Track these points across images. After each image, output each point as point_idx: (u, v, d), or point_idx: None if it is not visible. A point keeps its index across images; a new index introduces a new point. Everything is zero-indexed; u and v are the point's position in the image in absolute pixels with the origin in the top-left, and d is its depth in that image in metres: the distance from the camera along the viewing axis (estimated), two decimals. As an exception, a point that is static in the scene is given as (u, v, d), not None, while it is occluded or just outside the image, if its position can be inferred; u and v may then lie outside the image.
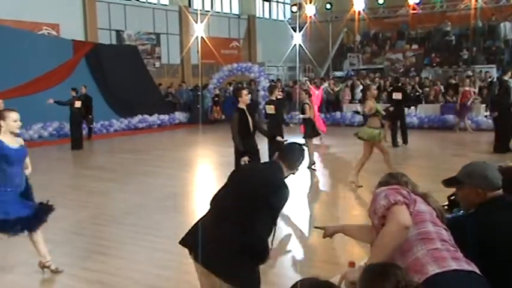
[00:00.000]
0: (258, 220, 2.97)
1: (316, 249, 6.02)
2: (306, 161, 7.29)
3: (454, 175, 2.81)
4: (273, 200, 3.05)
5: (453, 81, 18.42)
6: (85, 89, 14.98)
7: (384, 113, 8.91)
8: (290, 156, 3.38)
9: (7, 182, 4.72)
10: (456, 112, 15.99)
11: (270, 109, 9.26)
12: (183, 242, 3.16)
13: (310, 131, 10.34)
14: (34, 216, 4.85)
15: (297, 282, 1.97)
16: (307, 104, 10.35)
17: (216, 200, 3.24)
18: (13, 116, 4.70)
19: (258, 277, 3.07)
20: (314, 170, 10.21)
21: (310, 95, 11.37)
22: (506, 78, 16.68)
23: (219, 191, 3.29)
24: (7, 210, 4.67)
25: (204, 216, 3.24)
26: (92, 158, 13.39)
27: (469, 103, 15.76)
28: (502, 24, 23.00)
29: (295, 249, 5.96)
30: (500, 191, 2.70)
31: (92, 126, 15.97)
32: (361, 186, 8.40)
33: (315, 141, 11.38)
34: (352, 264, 2.88)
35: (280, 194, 3.10)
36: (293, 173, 3.39)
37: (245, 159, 7.05)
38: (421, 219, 2.47)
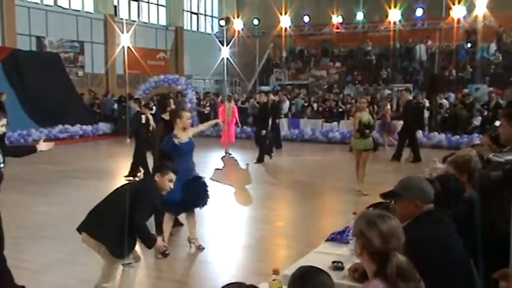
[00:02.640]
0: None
1: (240, 258, 6.07)
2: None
3: (391, 189, 2.89)
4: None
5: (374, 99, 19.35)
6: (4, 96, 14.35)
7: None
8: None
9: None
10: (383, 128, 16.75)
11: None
12: None
13: None
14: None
15: (224, 286, 1.99)
16: None
17: None
18: (187, 115, 5.85)
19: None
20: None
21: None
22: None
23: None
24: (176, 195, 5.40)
25: None
26: (9, 168, 12.67)
27: (388, 121, 16.57)
28: (417, 47, 24.45)
29: (217, 257, 5.98)
30: (432, 205, 2.83)
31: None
32: (367, 195, 8.67)
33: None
34: (276, 271, 2.94)
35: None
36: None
37: None
38: None
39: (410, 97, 14.46)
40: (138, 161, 10.26)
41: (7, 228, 6.91)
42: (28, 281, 5.01)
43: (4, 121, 5.05)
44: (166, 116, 7.20)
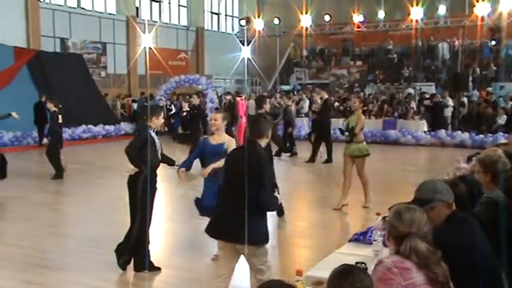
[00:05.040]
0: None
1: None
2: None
3: (416, 197, 2.78)
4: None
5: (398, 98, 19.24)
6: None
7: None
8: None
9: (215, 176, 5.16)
10: None
11: None
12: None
13: None
14: None
15: (263, 284, 2.00)
16: None
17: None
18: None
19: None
20: None
21: None
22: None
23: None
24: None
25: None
26: (32, 168, 12.91)
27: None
28: (440, 45, 24.15)
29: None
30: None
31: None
32: (367, 207, 7.92)
33: None
34: (299, 272, 2.93)
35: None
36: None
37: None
38: None
39: (326, 96, 13.71)
40: (53, 159, 10.53)
41: (30, 227, 7.06)
42: (53, 280, 5.09)
43: (162, 115, 5.27)
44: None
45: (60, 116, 10.68)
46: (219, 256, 4.14)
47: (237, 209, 3.65)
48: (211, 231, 3.94)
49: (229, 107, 16.34)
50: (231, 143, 5.32)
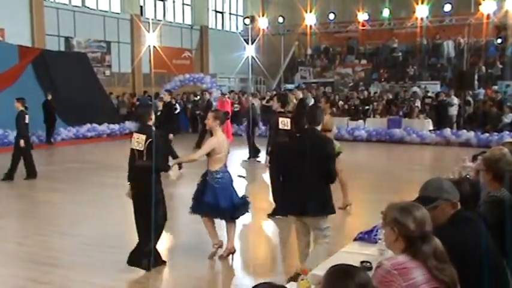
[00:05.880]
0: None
1: (265, 258, 6.06)
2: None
3: (420, 195, 2.78)
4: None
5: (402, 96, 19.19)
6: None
7: None
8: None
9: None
10: None
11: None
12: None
13: None
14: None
15: (255, 286, 1.97)
16: None
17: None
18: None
19: None
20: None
21: None
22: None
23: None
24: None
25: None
26: (39, 167, 12.94)
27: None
28: (445, 43, 24.04)
29: (247, 259, 5.98)
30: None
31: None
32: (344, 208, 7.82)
33: None
34: (305, 271, 2.93)
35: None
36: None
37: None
38: None
39: (301, 95, 12.86)
40: (16, 161, 10.44)
41: (37, 226, 7.08)
42: (60, 278, 5.10)
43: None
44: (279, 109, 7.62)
45: (27, 116, 10.45)
46: (297, 232, 4.78)
47: (308, 186, 4.36)
48: (284, 210, 4.68)
49: (208, 106, 15.97)
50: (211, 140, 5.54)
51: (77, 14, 21.70)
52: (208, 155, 5.46)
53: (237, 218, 5.73)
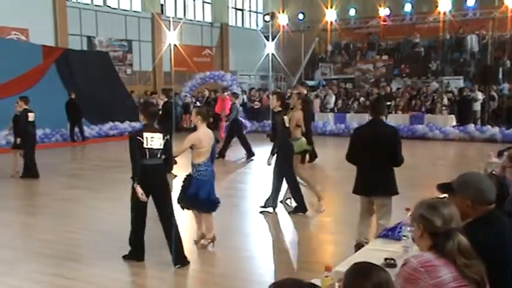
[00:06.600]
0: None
1: (286, 254, 6.06)
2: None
3: (450, 181, 2.79)
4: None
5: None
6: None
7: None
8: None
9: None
10: None
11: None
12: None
13: None
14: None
15: (278, 281, 1.97)
16: None
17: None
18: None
19: None
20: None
21: None
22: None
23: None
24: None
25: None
26: (63, 165, 13.16)
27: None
28: (468, 37, 23.62)
29: (268, 255, 5.99)
30: (493, 206, 2.70)
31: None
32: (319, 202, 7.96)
33: None
34: (328, 268, 2.91)
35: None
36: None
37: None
38: None
39: (305, 91, 12.29)
40: (29, 160, 10.43)
41: (63, 223, 7.20)
42: (84, 274, 5.18)
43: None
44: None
45: (30, 114, 10.43)
46: (363, 211, 5.34)
47: (378, 170, 5.07)
48: (358, 190, 5.25)
49: (206, 103, 15.67)
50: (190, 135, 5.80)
51: (98, 14, 21.94)
52: (191, 148, 5.74)
53: (213, 211, 5.97)
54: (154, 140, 5.23)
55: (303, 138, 8.01)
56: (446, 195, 2.90)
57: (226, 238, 6.19)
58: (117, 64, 22.05)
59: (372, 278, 1.98)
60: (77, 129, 16.65)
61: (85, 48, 21.50)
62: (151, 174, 5.19)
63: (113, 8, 22.83)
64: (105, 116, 18.18)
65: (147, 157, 5.19)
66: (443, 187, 2.84)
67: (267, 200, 7.60)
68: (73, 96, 16.56)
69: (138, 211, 5.34)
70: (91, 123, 17.91)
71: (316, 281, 2.92)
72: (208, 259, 5.74)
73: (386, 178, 5.16)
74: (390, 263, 3.22)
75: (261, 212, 7.58)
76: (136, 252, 5.44)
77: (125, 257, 5.46)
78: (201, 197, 5.75)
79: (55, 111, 15.94)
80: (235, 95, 14.13)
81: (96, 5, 22.15)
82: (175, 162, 5.99)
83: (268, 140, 7.76)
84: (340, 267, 3.12)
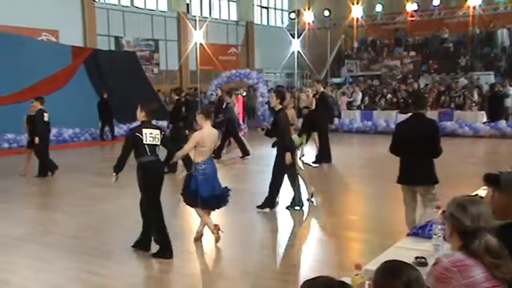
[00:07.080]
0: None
1: (312, 251, 6.04)
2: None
3: (498, 173, 2.74)
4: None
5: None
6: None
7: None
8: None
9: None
10: None
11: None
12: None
13: None
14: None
15: (311, 279, 1.96)
16: None
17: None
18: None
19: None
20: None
21: None
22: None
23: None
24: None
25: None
26: (92, 163, 13.37)
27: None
28: (499, 31, 23.11)
29: (298, 252, 5.97)
30: None
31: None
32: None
33: None
34: (358, 266, 2.89)
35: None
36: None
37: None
38: None
39: (322, 89, 11.89)
40: (42, 158, 10.59)
41: (91, 219, 7.31)
42: (115, 272, 5.25)
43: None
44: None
45: (45, 114, 10.53)
46: (407, 200, 5.55)
47: (420, 161, 5.31)
48: (401, 180, 5.47)
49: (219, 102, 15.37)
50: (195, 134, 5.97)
51: (126, 14, 22.23)
52: (194, 147, 5.82)
53: (218, 208, 6.01)
54: (153, 136, 5.46)
55: (295, 135, 8.29)
56: (485, 189, 2.86)
57: (248, 235, 6.19)
58: (144, 63, 22.30)
59: (402, 276, 1.96)
60: (106, 128, 16.90)
61: (113, 48, 21.81)
62: (154, 170, 5.49)
63: (139, 8, 23.09)
64: (133, 115, 18.28)
65: (148, 153, 5.41)
66: (490, 179, 2.78)
67: (293, 199, 7.58)
68: (105, 95, 16.73)
69: (159, 211, 5.44)
70: (119, 122, 18.13)
71: (346, 279, 2.90)
72: (230, 254, 5.74)
73: (428, 168, 5.41)
74: (421, 261, 3.16)
75: (287, 208, 7.57)
76: (164, 252, 5.49)
77: (154, 255, 5.51)
78: (203, 195, 5.77)
79: (84, 111, 16.23)
80: (228, 94, 13.88)
81: (123, 6, 22.45)
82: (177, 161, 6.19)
83: (263, 134, 7.69)
84: (370, 266, 3.08)
